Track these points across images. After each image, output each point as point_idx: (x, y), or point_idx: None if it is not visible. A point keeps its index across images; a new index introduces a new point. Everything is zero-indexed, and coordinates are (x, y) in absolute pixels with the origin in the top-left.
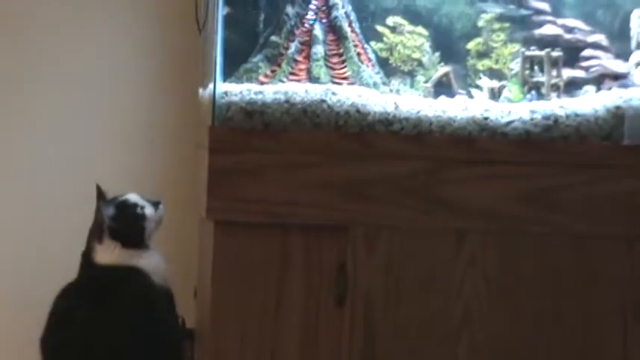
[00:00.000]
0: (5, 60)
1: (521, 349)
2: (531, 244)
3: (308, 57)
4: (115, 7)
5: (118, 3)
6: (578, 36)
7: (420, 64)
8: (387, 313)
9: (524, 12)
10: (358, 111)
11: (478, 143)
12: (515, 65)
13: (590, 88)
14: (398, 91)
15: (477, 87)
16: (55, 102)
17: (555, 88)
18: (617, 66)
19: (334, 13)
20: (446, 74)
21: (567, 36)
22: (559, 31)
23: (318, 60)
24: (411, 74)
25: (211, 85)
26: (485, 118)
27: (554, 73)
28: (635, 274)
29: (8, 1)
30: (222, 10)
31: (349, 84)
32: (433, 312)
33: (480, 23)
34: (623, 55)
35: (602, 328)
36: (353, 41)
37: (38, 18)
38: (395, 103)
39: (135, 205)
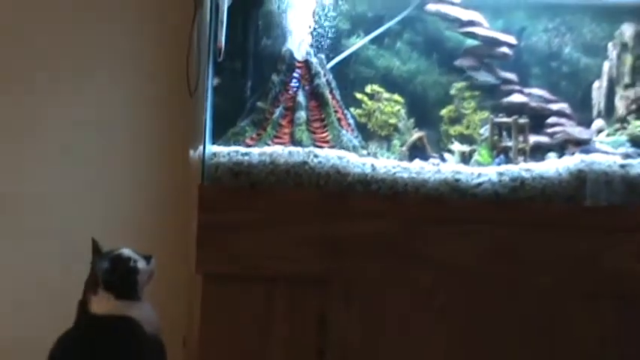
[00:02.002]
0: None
1: None
2: (499, 297)
3: (291, 122)
4: (113, 70)
5: (117, 67)
6: (544, 104)
7: (396, 129)
8: None
9: (493, 81)
10: (338, 172)
11: (450, 203)
12: (485, 131)
13: (553, 154)
14: (375, 154)
15: (449, 151)
16: (52, 161)
17: (522, 152)
18: (579, 132)
19: (316, 81)
20: (420, 139)
21: (533, 104)
22: (525, 99)
23: (300, 124)
24: (388, 138)
25: (201, 147)
26: (457, 180)
27: (520, 138)
28: (598, 330)
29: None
30: (212, 78)
31: (330, 147)
32: None
33: (452, 91)
34: (586, 122)
35: None
36: (334, 107)
37: (37, 76)
38: (372, 165)
39: (128, 259)
